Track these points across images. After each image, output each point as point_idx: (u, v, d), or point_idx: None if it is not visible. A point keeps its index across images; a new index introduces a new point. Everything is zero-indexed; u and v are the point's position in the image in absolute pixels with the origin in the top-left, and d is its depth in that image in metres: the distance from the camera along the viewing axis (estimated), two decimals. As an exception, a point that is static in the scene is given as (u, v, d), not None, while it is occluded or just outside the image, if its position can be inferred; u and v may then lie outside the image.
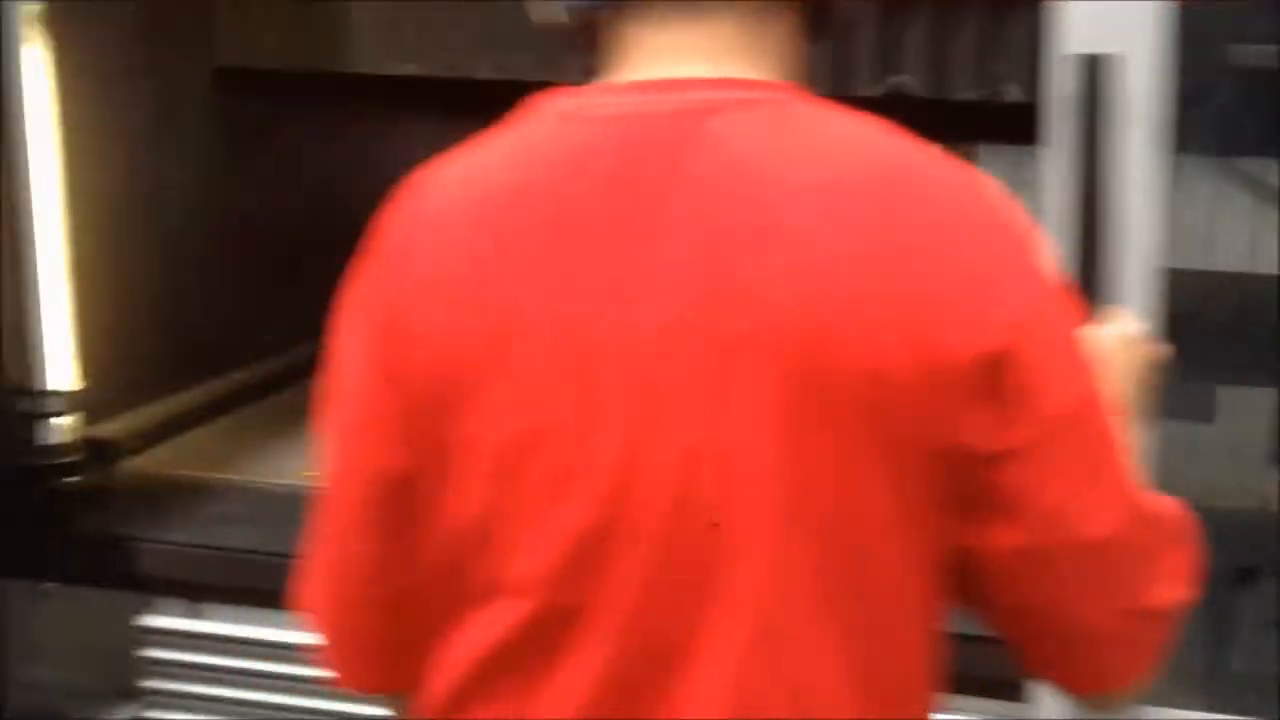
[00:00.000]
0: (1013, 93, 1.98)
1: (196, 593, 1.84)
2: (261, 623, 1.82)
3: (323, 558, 0.97)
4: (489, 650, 0.89)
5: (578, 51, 0.97)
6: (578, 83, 2.21)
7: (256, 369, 2.50)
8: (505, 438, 0.85)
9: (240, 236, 2.42)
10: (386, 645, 0.96)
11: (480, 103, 3.64)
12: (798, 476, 0.82)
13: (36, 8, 1.67)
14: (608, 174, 0.85)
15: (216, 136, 2.31)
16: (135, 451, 2.10)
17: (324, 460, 0.95)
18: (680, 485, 0.83)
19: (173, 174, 2.19)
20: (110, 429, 2.05)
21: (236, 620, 1.84)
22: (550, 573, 0.86)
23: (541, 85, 2.30)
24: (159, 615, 1.84)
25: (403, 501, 0.91)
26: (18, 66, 1.55)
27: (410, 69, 2.11)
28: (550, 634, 0.87)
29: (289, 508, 1.93)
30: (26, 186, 1.66)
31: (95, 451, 1.99)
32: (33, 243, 1.69)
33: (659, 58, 0.88)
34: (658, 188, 0.84)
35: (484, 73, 2.09)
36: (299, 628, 1.77)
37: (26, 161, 1.65)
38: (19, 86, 1.56)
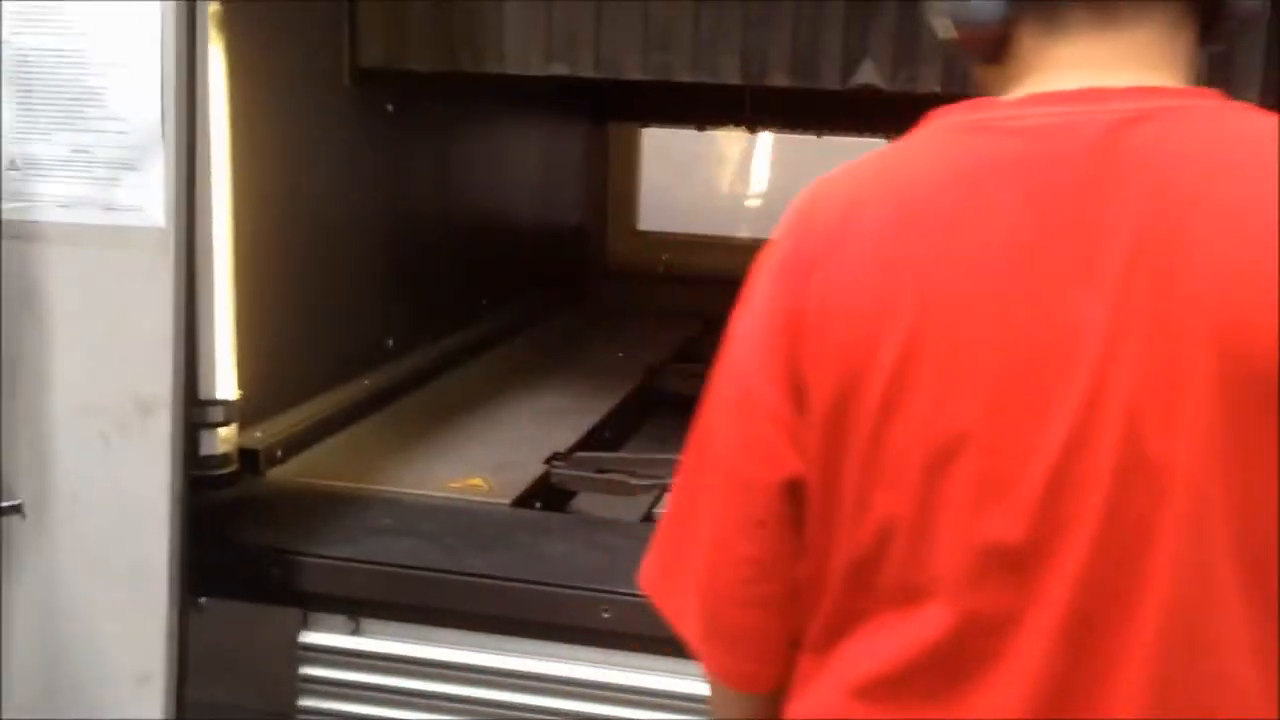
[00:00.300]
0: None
1: (357, 608, 1.79)
2: (423, 640, 1.77)
3: (701, 559, 0.98)
4: (907, 656, 0.89)
5: (969, 63, 0.97)
6: (750, 81, 2.11)
7: (381, 375, 2.46)
8: (928, 444, 0.86)
9: (371, 240, 2.38)
10: (768, 643, 0.98)
11: (627, 102, 3.59)
12: (1238, 481, 0.82)
13: (216, 8, 1.62)
14: (1040, 184, 0.85)
15: (355, 139, 2.26)
16: (276, 461, 2.06)
17: (707, 464, 0.97)
18: (1115, 491, 0.83)
19: (315, 178, 2.15)
20: (253, 438, 2.01)
21: (398, 637, 1.79)
22: (977, 579, 0.86)
23: (695, 86, 2.22)
24: (319, 632, 1.79)
25: (798, 505, 0.92)
26: (205, 69, 1.49)
27: (560, 69, 2.05)
28: (976, 641, 0.87)
29: (444, 520, 1.93)
30: (208, 192, 1.61)
31: (244, 462, 1.95)
32: (209, 250, 1.64)
33: (1071, 69, 0.89)
34: (1093, 198, 0.84)
35: (633, 73, 2.03)
36: (462, 646, 1.76)
37: (209, 166, 1.60)
38: (206, 90, 1.50)
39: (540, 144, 3.35)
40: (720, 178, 4.12)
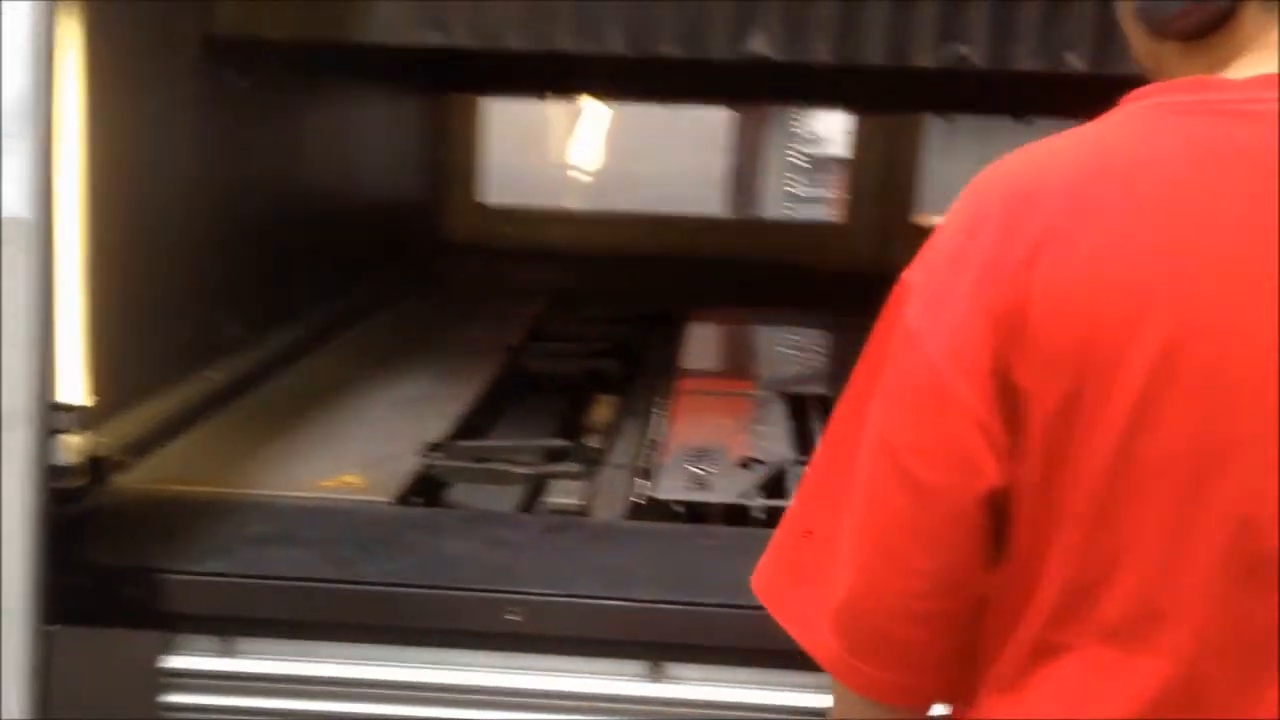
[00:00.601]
0: (1073, 63, 1.92)
1: (230, 628, 1.64)
2: (310, 657, 1.63)
3: (855, 567, 0.90)
4: (1149, 692, 0.82)
5: (1159, 39, 0.90)
6: (638, 52, 2.00)
7: (230, 366, 2.28)
8: (1196, 453, 0.79)
9: (217, 223, 2.19)
10: (928, 658, 0.91)
11: (466, 72, 3.43)
12: None
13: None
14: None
15: (204, 115, 2.06)
16: (123, 467, 1.87)
17: (865, 467, 0.89)
18: None
19: (163, 158, 1.95)
20: (96, 444, 1.81)
21: (278, 656, 1.64)
22: (1237, 599, 0.80)
23: (580, 58, 2.09)
24: (184, 655, 1.63)
25: (995, 518, 0.84)
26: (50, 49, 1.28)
27: (434, 39, 1.91)
28: (1234, 665, 0.81)
29: (324, 524, 1.78)
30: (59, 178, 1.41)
31: (91, 470, 1.76)
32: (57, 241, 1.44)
33: None
34: None
35: (514, 44, 1.91)
36: (355, 661, 1.63)
37: (51, 155, 1.39)
38: (51, 72, 1.29)
39: (382, 118, 3.19)
40: (563, 149, 4.03)
